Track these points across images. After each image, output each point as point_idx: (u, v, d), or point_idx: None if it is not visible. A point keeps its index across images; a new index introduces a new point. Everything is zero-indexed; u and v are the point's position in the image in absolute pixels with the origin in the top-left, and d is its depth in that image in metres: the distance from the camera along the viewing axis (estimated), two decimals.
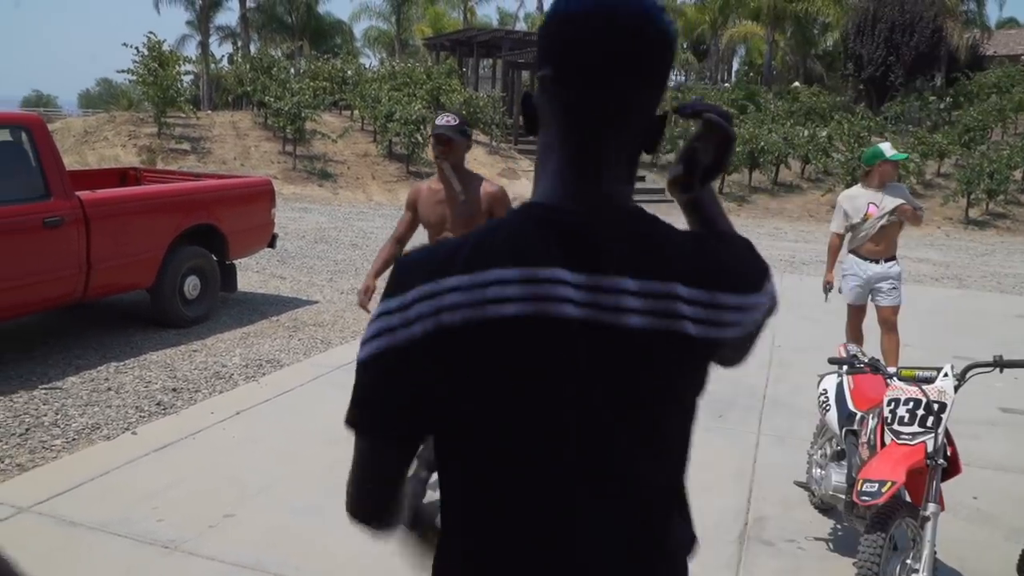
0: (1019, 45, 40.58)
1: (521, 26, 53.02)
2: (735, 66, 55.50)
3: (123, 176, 9.55)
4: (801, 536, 4.27)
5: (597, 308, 1.19)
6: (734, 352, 1.40)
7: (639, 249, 1.23)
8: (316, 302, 9.30)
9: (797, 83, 37.45)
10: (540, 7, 50.29)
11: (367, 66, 33.62)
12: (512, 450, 1.24)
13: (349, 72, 27.98)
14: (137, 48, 21.53)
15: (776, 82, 39.68)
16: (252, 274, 10.39)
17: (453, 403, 1.24)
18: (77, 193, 6.67)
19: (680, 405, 1.33)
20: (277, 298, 9.41)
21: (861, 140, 22.25)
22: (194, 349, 7.21)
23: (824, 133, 23.25)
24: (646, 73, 1.22)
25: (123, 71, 21.99)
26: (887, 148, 6.45)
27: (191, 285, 7.88)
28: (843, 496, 3.81)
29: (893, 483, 3.20)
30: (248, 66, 26.15)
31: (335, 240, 13.92)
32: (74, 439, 5.20)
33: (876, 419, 3.69)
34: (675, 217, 1.37)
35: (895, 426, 3.46)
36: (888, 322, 6.52)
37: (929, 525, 3.24)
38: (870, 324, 6.63)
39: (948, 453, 3.48)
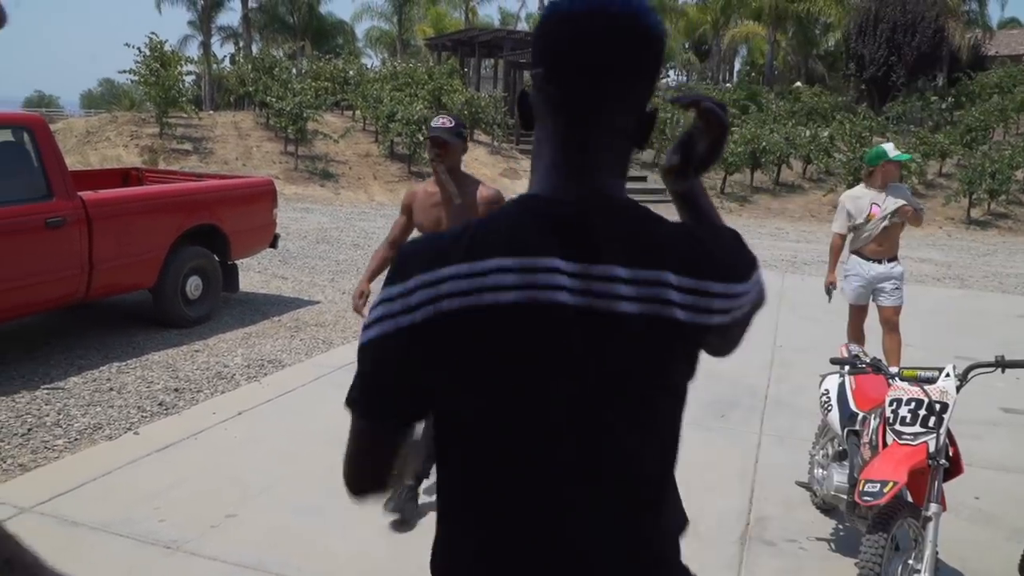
0: (1021, 45, 40.55)
1: (523, 26, 53.01)
2: (737, 66, 55.50)
3: (125, 176, 9.55)
4: (803, 536, 4.27)
5: (591, 295, 1.24)
6: (721, 340, 1.42)
7: (631, 239, 1.27)
8: (318, 302, 9.31)
9: (799, 83, 37.44)
10: (542, 7, 50.29)
11: (369, 66, 33.63)
12: (508, 435, 1.28)
13: (351, 72, 27.97)
14: (139, 48, 21.57)
15: (778, 82, 39.66)
16: (254, 274, 10.40)
17: (451, 388, 1.28)
18: (79, 193, 6.68)
19: (671, 390, 1.36)
20: (279, 298, 9.42)
21: (863, 140, 22.25)
22: (196, 349, 7.22)
23: (826, 133, 23.24)
24: (635, 69, 1.27)
25: (125, 71, 22.04)
26: (890, 148, 6.45)
27: (193, 285, 7.88)
28: (845, 496, 3.81)
29: (895, 483, 3.20)
30: (250, 66, 26.16)
31: (337, 240, 13.93)
32: (76, 439, 5.21)
33: (878, 419, 3.69)
34: (676, 215, 1.37)
35: (897, 426, 3.47)
36: (890, 322, 6.52)
37: (931, 525, 3.24)
38: (872, 324, 6.62)
39: (950, 453, 3.48)
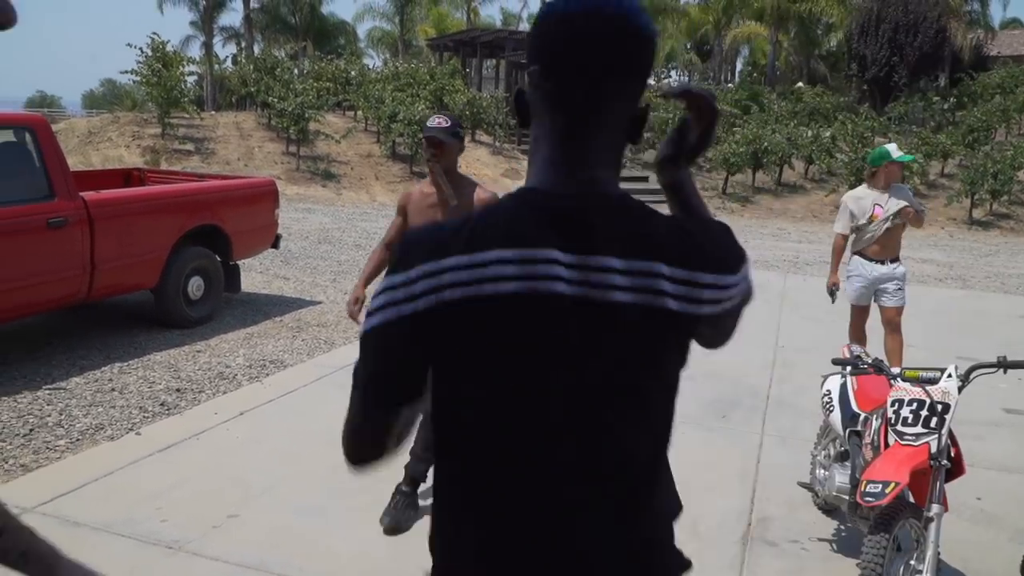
0: (1023, 45, 40.53)
1: (524, 27, 52.91)
2: (739, 66, 55.47)
3: (127, 177, 9.56)
4: (805, 537, 4.27)
5: (587, 286, 1.29)
6: (712, 331, 1.47)
7: (625, 231, 1.32)
8: (320, 303, 9.31)
9: (801, 83, 37.43)
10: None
11: (371, 67, 33.65)
12: (507, 420, 1.33)
13: (353, 73, 28.00)
14: (141, 49, 21.58)
15: (780, 82, 39.63)
16: (256, 275, 10.40)
17: (451, 375, 1.34)
18: (81, 194, 6.68)
19: (664, 377, 1.41)
20: (281, 299, 9.42)
21: (865, 140, 22.25)
22: (198, 350, 7.22)
23: (828, 133, 23.23)
24: (627, 67, 1.33)
25: (127, 72, 22.05)
26: (894, 149, 6.44)
27: (195, 286, 7.89)
28: (847, 497, 3.81)
29: (897, 484, 3.20)
30: (252, 67, 26.17)
31: (338, 240, 13.93)
32: (78, 439, 5.21)
33: (880, 420, 3.69)
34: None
35: (899, 427, 3.46)
36: (892, 323, 6.51)
37: (933, 526, 3.24)
38: (873, 325, 6.62)
39: (952, 454, 3.48)
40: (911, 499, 3.44)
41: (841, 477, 3.90)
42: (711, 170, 23.52)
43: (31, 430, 5.29)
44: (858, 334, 6.58)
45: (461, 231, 1.30)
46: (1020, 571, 3.57)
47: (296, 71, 28.05)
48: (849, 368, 4.04)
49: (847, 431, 4.03)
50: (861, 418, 3.98)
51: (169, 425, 5.48)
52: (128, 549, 3.74)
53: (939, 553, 3.25)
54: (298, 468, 4.81)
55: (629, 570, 1.39)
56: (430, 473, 1.63)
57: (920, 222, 6.54)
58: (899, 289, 6.48)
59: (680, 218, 1.50)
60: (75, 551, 1.46)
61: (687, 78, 51.63)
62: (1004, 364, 3.59)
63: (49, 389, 6.02)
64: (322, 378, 6.44)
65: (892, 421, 3.51)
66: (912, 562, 3.27)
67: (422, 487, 4.27)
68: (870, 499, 3.21)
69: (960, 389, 3.55)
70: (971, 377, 3.62)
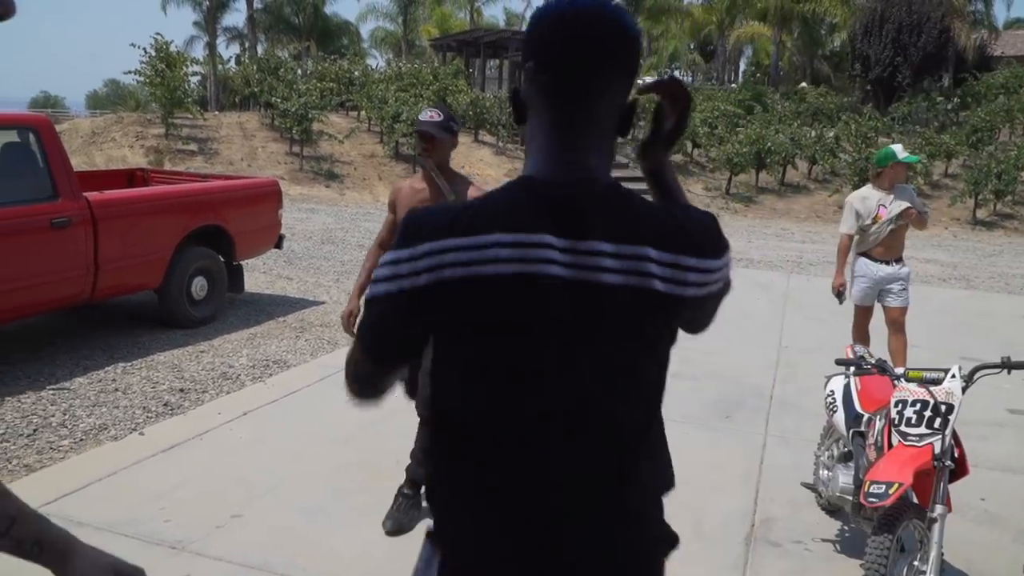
0: None
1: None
2: (742, 67, 55.43)
3: (130, 177, 9.56)
4: (808, 537, 4.27)
5: (579, 268, 1.39)
6: (695, 314, 1.55)
7: (615, 217, 1.42)
8: (323, 303, 9.32)
9: (804, 84, 37.41)
10: None
11: (374, 67, 33.66)
12: (500, 396, 1.43)
13: (356, 73, 28.01)
14: (144, 49, 21.60)
15: (783, 83, 39.61)
16: (259, 275, 10.41)
17: (448, 350, 1.46)
18: (85, 194, 6.69)
19: (652, 355, 1.49)
20: (284, 299, 9.43)
21: (868, 141, 22.21)
22: (201, 350, 7.23)
23: (831, 134, 23.20)
24: (615, 63, 1.44)
25: (130, 72, 22.06)
26: (899, 150, 6.43)
27: (198, 286, 7.89)
28: (850, 497, 3.80)
29: (900, 484, 3.19)
30: (255, 67, 26.22)
31: (342, 241, 13.94)
32: (81, 440, 5.22)
33: (883, 420, 3.68)
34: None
35: (902, 427, 3.46)
36: (897, 323, 6.50)
37: (936, 527, 3.24)
38: (877, 325, 6.61)
39: (955, 454, 3.47)
40: (915, 500, 3.44)
41: (845, 478, 3.90)
42: (714, 170, 23.52)
43: (35, 430, 5.30)
44: (862, 334, 6.57)
45: (464, 214, 1.40)
46: None
47: (299, 71, 28.12)
48: (853, 368, 4.03)
49: (851, 431, 4.02)
50: (865, 419, 3.98)
51: (173, 425, 5.48)
52: (132, 549, 3.74)
53: (943, 554, 3.25)
54: (301, 468, 4.82)
55: (612, 540, 1.47)
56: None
57: (923, 224, 6.53)
58: (903, 289, 6.47)
59: (668, 206, 1.59)
60: None
61: (690, 79, 51.59)
62: (1008, 365, 3.58)
63: (53, 389, 6.03)
64: (325, 378, 6.44)
65: (896, 422, 3.50)
66: (916, 563, 3.27)
67: (423, 490, 4.27)
68: (874, 500, 3.21)
69: (964, 390, 3.54)
70: (975, 378, 3.62)
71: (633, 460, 1.49)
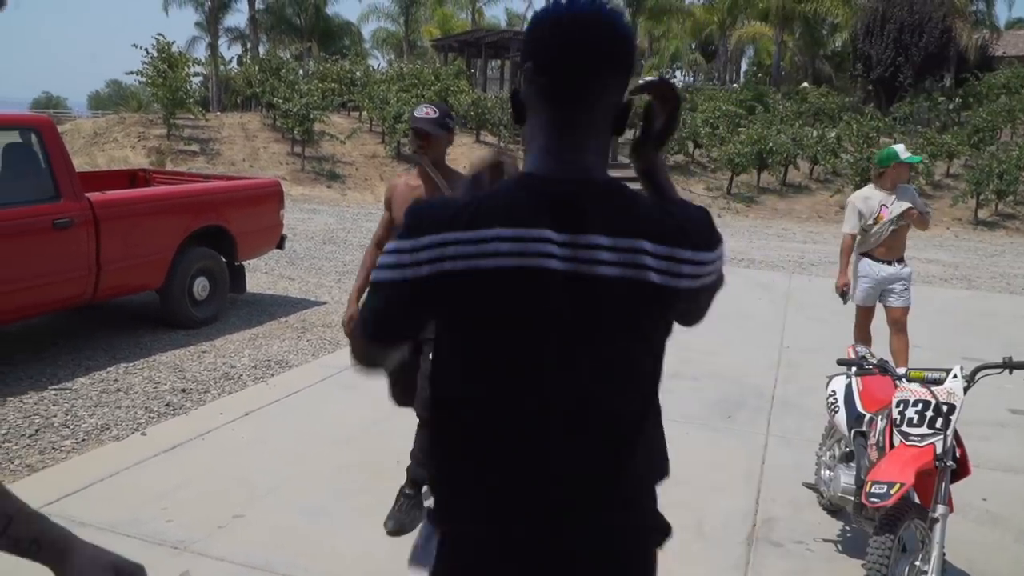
0: None
1: None
2: (744, 67, 55.44)
3: (132, 177, 9.57)
4: (810, 537, 4.27)
5: (577, 261, 1.44)
6: (689, 306, 1.60)
7: (612, 212, 1.47)
8: (325, 303, 9.32)
9: (806, 84, 37.40)
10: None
11: (375, 67, 33.66)
12: (499, 388, 1.48)
13: (357, 73, 28.04)
14: (146, 50, 21.61)
15: (785, 83, 39.61)
16: (261, 275, 10.42)
17: (449, 340, 1.53)
18: (87, 194, 6.69)
19: (648, 344, 1.55)
20: (286, 299, 9.43)
21: (870, 141, 22.19)
22: (203, 350, 7.23)
23: (833, 134, 23.19)
24: (610, 64, 1.49)
25: (132, 73, 22.09)
26: (902, 150, 6.42)
27: (200, 286, 7.90)
28: (852, 498, 3.80)
29: (902, 485, 3.19)
30: (257, 67, 26.23)
31: (343, 241, 13.94)
32: (84, 440, 5.22)
33: (885, 420, 3.68)
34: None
35: (904, 427, 3.46)
36: (899, 323, 6.50)
37: (938, 527, 3.23)
38: (878, 325, 6.61)
39: (957, 455, 3.47)
40: (916, 500, 3.43)
41: (846, 478, 3.89)
42: (716, 170, 23.51)
43: (37, 430, 5.30)
44: (863, 335, 6.57)
45: (466, 209, 1.45)
46: None
47: (301, 72, 28.12)
48: (854, 369, 4.03)
49: (852, 432, 4.02)
50: (866, 419, 3.97)
51: (174, 425, 5.48)
52: (134, 549, 3.74)
53: (944, 554, 3.24)
54: (303, 468, 4.82)
55: (608, 530, 1.52)
56: None
57: (925, 224, 6.53)
58: (905, 289, 6.47)
59: (662, 201, 1.64)
60: None
61: (692, 79, 51.60)
62: (1010, 365, 3.58)
63: (55, 389, 6.04)
64: (327, 378, 6.45)
65: (897, 422, 3.50)
66: (917, 563, 3.26)
67: (425, 489, 4.27)
68: (875, 500, 3.20)
69: (966, 390, 3.54)
70: (977, 378, 3.61)
71: (630, 451, 1.54)
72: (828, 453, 4.38)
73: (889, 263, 6.45)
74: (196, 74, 26.70)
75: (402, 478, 4.30)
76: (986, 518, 4.57)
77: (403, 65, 31.02)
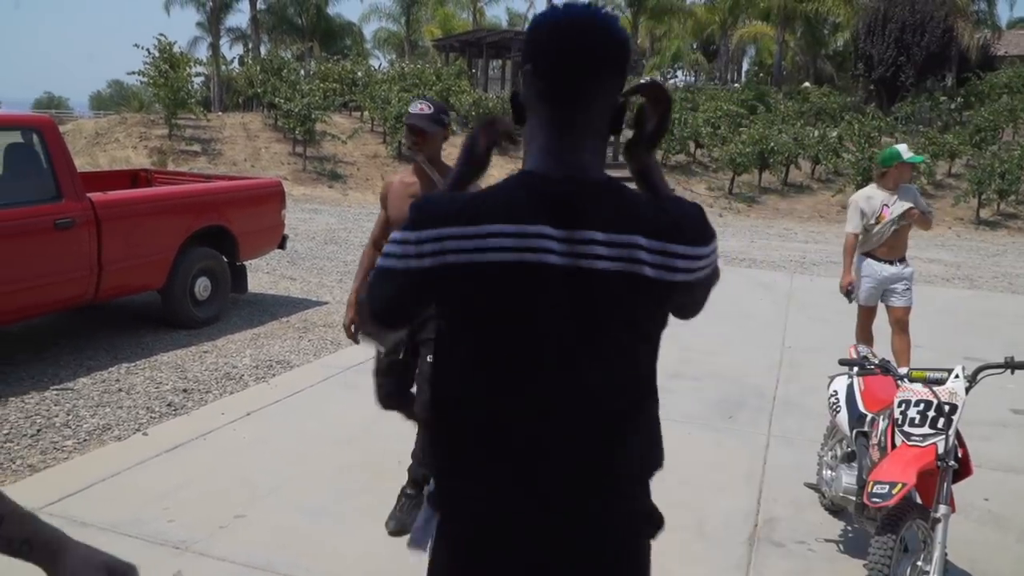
0: None
1: None
2: (745, 66, 55.43)
3: (134, 177, 9.57)
4: (811, 538, 4.26)
5: (574, 256, 1.50)
6: (685, 299, 1.65)
7: (608, 209, 1.53)
8: (326, 303, 9.32)
9: (807, 83, 37.40)
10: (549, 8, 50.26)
11: (377, 67, 33.70)
12: (499, 382, 1.55)
13: (359, 73, 28.06)
14: (148, 50, 21.62)
15: (786, 82, 39.60)
16: (262, 275, 10.42)
17: (449, 342, 1.62)
18: (88, 195, 6.69)
19: (643, 336, 1.61)
20: (287, 299, 9.43)
21: (871, 140, 22.18)
22: (205, 350, 7.23)
23: (834, 133, 23.19)
24: (606, 67, 1.55)
25: (134, 73, 22.11)
26: (904, 150, 6.42)
27: (202, 286, 7.90)
28: (853, 498, 3.80)
29: (904, 485, 3.19)
30: (258, 68, 26.28)
31: (345, 241, 13.94)
32: (85, 440, 5.22)
33: (887, 420, 3.68)
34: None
35: (906, 427, 3.45)
36: (901, 322, 6.50)
37: (940, 527, 3.23)
38: (880, 325, 6.60)
39: (959, 455, 3.46)
40: (918, 500, 3.43)
41: (848, 478, 3.89)
42: (717, 170, 23.51)
43: (38, 430, 5.30)
44: (865, 335, 6.57)
45: (469, 205, 1.53)
46: None
47: (302, 72, 28.14)
48: (856, 368, 4.02)
49: (854, 432, 4.02)
50: (868, 419, 3.97)
51: (176, 425, 5.49)
52: (135, 549, 3.75)
53: (946, 554, 3.24)
54: (305, 468, 4.82)
55: (600, 516, 1.58)
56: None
57: (928, 224, 6.52)
58: (907, 289, 6.47)
59: (657, 199, 1.67)
60: None
61: (693, 79, 51.58)
62: (1011, 365, 3.57)
63: (56, 390, 6.04)
64: (329, 378, 6.45)
65: (899, 422, 3.50)
66: (919, 563, 3.26)
67: (426, 489, 4.26)
68: (877, 500, 3.20)
69: (967, 390, 3.54)
70: (978, 378, 3.61)
71: (621, 439, 1.59)
72: (830, 453, 4.37)
73: (891, 263, 6.45)
74: (198, 74, 26.82)
75: (403, 478, 4.30)
76: (988, 518, 4.57)
77: (404, 65, 31.05)
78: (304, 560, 3.82)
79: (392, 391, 4.09)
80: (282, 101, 21.67)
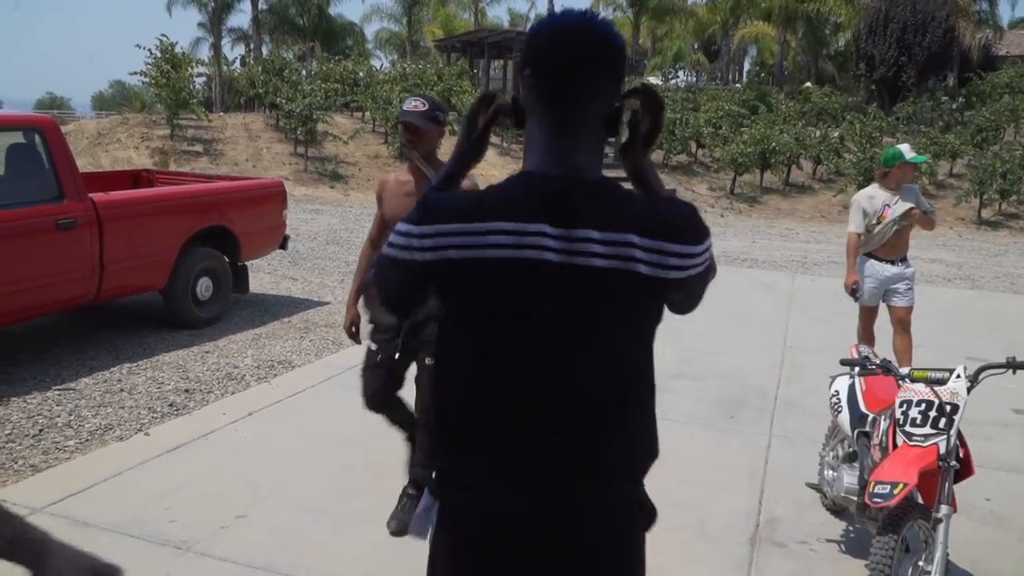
0: None
1: None
2: (746, 67, 55.40)
3: (136, 178, 9.58)
4: (813, 538, 4.26)
5: (570, 254, 1.55)
6: (681, 295, 1.70)
7: (604, 208, 1.58)
8: (327, 303, 9.33)
9: (809, 83, 37.39)
10: (551, 8, 50.29)
11: (378, 68, 33.72)
12: (499, 379, 1.61)
13: (360, 74, 28.08)
14: (150, 51, 21.65)
15: (788, 82, 39.58)
16: (264, 275, 10.42)
17: (449, 340, 1.68)
18: (90, 195, 6.70)
19: (637, 331, 1.66)
20: (289, 299, 9.44)
21: (873, 140, 22.18)
22: (206, 350, 7.24)
23: (836, 133, 23.19)
24: (604, 72, 1.61)
25: (136, 73, 22.14)
26: (907, 150, 6.41)
27: (203, 287, 7.90)
28: (855, 498, 3.79)
29: (905, 485, 3.19)
30: (260, 68, 26.29)
31: (346, 241, 13.95)
32: (87, 440, 5.23)
33: (888, 421, 3.67)
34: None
35: (907, 428, 3.45)
36: (903, 322, 6.50)
37: (941, 527, 3.23)
38: (881, 325, 6.60)
39: (960, 455, 3.46)
40: (920, 500, 3.43)
41: (849, 478, 3.89)
42: (719, 170, 23.51)
43: (40, 430, 5.31)
44: (867, 335, 6.56)
45: (471, 202, 1.59)
46: None
47: (304, 72, 28.18)
48: (857, 369, 4.02)
49: (855, 432, 4.01)
50: (869, 419, 3.97)
51: (178, 425, 5.49)
52: (137, 549, 3.76)
53: (948, 554, 3.24)
54: (306, 469, 4.82)
55: (590, 503, 1.63)
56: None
57: (931, 224, 6.52)
58: (909, 289, 6.47)
59: (652, 198, 1.72)
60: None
61: (695, 79, 51.56)
62: (1013, 365, 3.57)
63: (58, 390, 6.04)
64: (330, 379, 6.45)
65: (900, 422, 3.50)
66: (921, 563, 3.26)
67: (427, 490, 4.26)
68: (878, 500, 3.20)
69: (969, 390, 3.53)
70: (980, 378, 3.61)
71: (609, 430, 1.64)
72: (831, 453, 4.37)
73: (892, 263, 6.45)
74: (199, 75, 26.80)
75: (404, 478, 4.30)
76: (989, 518, 4.57)
77: (406, 65, 31.07)
78: (306, 560, 3.82)
79: (379, 388, 4.03)
80: (284, 101, 21.69)
